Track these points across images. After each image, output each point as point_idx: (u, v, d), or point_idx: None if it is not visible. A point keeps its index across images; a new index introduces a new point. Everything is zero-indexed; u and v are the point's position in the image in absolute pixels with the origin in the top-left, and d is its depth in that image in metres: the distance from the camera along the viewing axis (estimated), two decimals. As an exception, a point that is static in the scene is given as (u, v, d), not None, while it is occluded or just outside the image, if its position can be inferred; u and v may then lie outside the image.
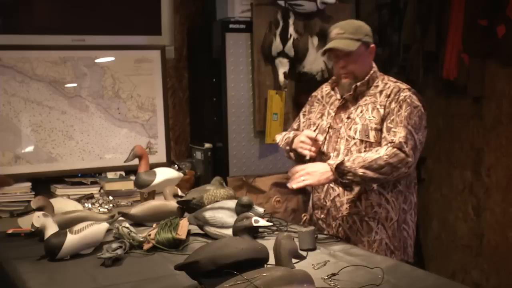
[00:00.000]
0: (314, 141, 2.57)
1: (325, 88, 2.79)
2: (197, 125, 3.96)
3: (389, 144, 2.43)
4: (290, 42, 3.58)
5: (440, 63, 4.07)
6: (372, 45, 2.59)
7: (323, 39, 3.67)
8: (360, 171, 2.37)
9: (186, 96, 4.02)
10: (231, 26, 3.57)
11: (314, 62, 3.67)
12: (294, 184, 2.43)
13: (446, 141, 4.23)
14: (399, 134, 2.44)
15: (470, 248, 4.12)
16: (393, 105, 2.51)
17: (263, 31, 3.59)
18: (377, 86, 2.60)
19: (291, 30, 3.59)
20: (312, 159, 2.59)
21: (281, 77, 3.57)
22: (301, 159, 2.60)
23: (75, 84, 3.43)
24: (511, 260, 3.85)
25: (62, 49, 3.41)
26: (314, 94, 2.84)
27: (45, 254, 2.17)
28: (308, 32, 3.67)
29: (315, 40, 3.68)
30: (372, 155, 2.40)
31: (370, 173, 2.37)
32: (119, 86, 3.53)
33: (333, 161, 2.43)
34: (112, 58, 3.53)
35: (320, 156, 2.61)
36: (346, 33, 2.53)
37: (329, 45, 2.55)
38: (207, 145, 3.72)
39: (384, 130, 2.49)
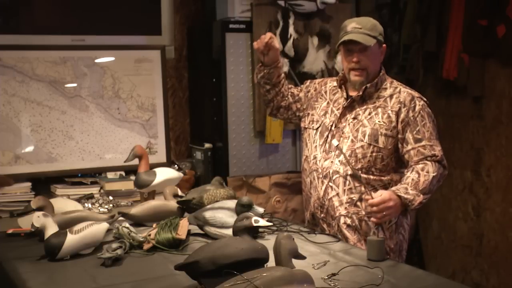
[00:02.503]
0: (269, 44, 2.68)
1: (330, 83, 2.77)
2: (197, 125, 3.96)
3: (432, 158, 2.47)
4: (290, 42, 3.58)
5: (440, 63, 4.07)
6: (384, 45, 2.61)
7: (323, 39, 3.69)
8: (424, 197, 2.41)
9: (186, 96, 4.02)
10: (231, 26, 3.57)
11: (314, 62, 3.67)
12: (376, 221, 2.37)
13: (446, 141, 4.22)
14: (437, 148, 2.51)
15: (470, 248, 4.12)
16: (410, 114, 2.52)
17: (263, 31, 3.57)
18: (385, 89, 2.60)
19: (291, 30, 3.59)
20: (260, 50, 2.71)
21: (281, 77, 3.57)
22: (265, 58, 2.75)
23: (75, 84, 3.43)
24: (511, 260, 3.84)
25: (62, 49, 3.41)
26: (316, 86, 2.80)
27: (45, 254, 2.17)
28: (308, 32, 3.67)
29: (315, 40, 3.68)
30: (427, 178, 2.43)
31: (428, 194, 2.44)
32: (119, 86, 3.53)
33: (401, 193, 2.38)
34: (112, 58, 3.52)
35: (322, 153, 2.62)
36: (363, 28, 2.52)
37: (348, 37, 2.52)
38: (207, 145, 3.71)
39: (412, 141, 2.50)
